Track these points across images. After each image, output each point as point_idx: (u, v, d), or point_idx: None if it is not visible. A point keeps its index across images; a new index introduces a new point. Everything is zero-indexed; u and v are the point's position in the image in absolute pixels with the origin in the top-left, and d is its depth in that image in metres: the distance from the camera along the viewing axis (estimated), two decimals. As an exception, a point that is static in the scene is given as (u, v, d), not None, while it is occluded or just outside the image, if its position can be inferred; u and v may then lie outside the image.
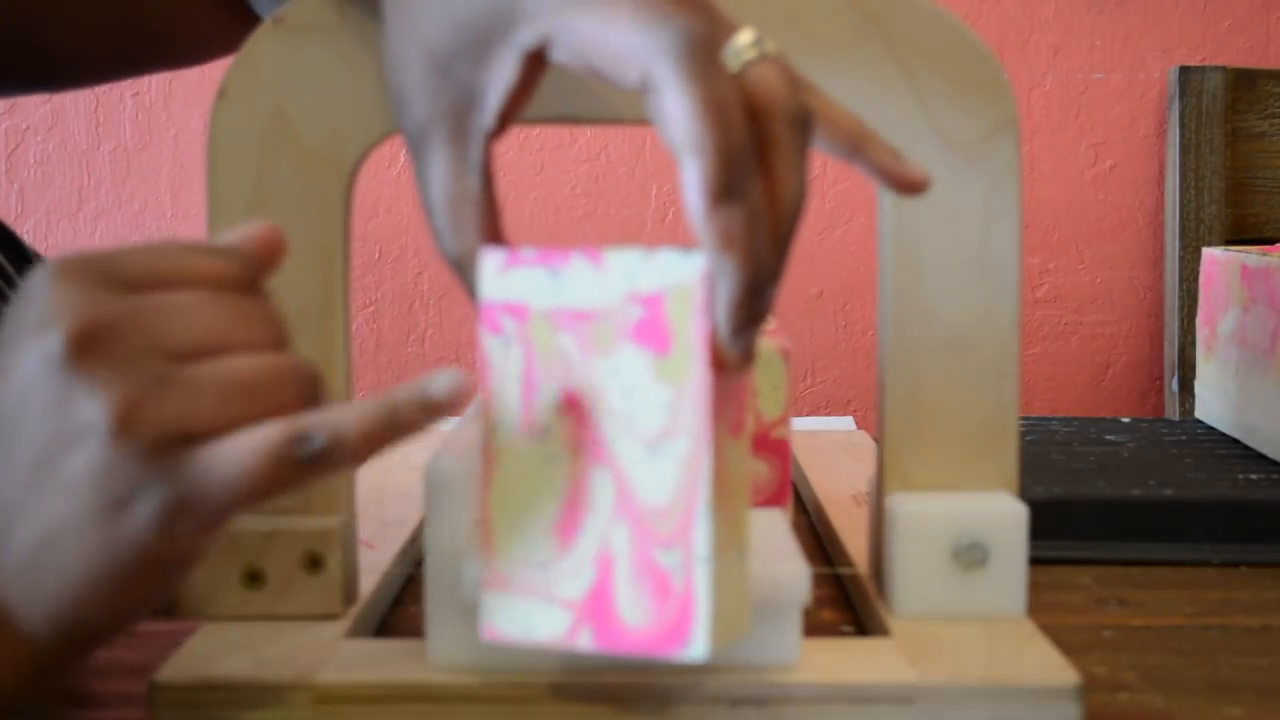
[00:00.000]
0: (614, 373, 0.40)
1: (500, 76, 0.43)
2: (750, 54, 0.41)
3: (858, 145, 0.44)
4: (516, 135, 1.50)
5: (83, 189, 1.52)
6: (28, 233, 1.51)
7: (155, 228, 1.52)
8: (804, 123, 0.41)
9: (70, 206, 1.52)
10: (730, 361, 0.40)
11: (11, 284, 0.67)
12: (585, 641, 0.41)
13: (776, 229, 0.40)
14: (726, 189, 0.38)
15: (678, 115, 0.38)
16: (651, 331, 0.40)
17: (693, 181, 0.38)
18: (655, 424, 0.40)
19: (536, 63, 0.43)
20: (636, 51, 0.39)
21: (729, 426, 0.41)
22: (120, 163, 1.52)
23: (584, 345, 0.41)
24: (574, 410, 0.41)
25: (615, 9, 0.40)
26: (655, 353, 0.40)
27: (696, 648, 0.40)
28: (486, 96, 0.43)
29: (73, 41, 0.68)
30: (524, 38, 0.42)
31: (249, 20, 0.66)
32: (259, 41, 0.51)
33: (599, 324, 0.41)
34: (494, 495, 0.42)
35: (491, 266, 0.42)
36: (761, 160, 0.40)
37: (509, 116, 0.44)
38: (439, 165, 0.44)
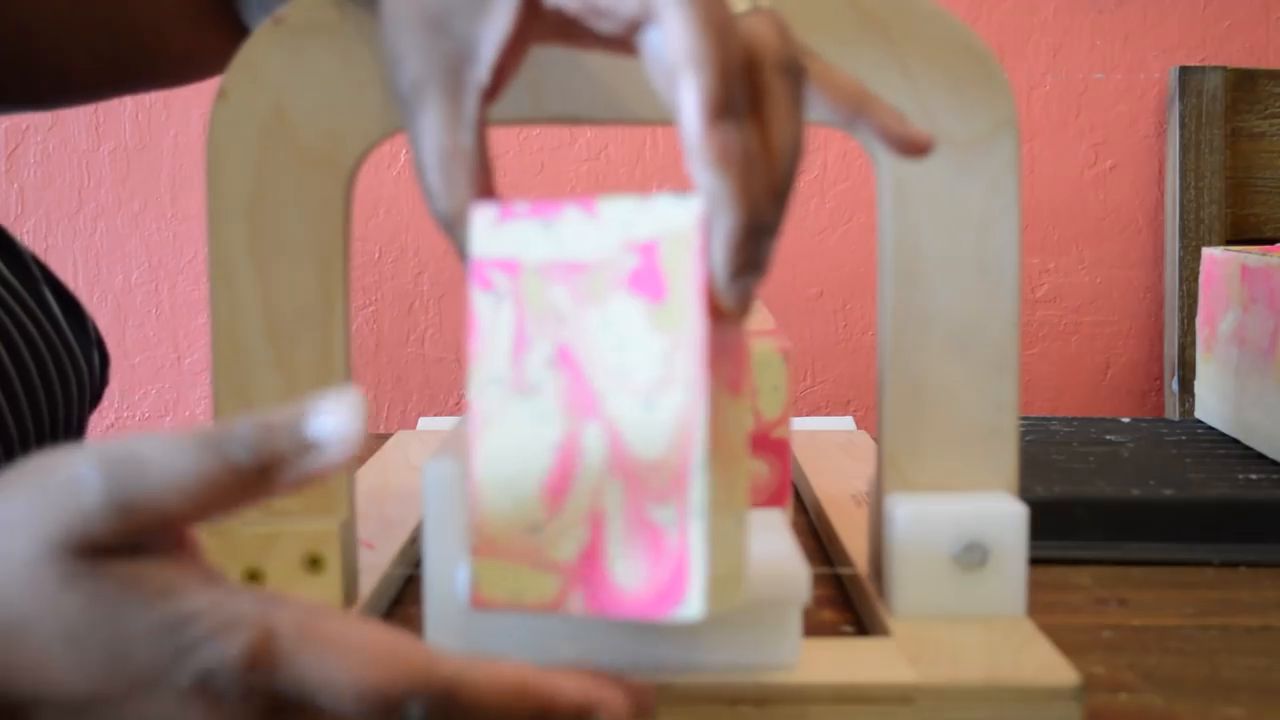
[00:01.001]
0: (608, 324, 0.39)
1: (495, 27, 0.43)
2: (742, 5, 0.41)
3: (860, 108, 0.44)
4: (516, 135, 1.50)
5: (83, 189, 1.52)
6: (27, 233, 1.51)
7: (155, 228, 1.52)
8: (795, 71, 0.41)
9: (70, 206, 1.52)
10: (728, 308, 0.39)
11: (5, 282, 0.66)
12: (576, 605, 0.40)
13: (774, 179, 0.40)
14: (726, 104, 0.38)
15: (678, 32, 0.38)
16: (647, 279, 0.39)
17: (691, 98, 0.38)
18: (650, 375, 0.39)
19: (531, 10, 0.42)
20: None
21: (727, 383, 0.40)
22: (120, 163, 1.52)
23: (577, 297, 0.40)
24: (566, 366, 0.40)
25: None
26: (650, 301, 0.39)
27: (691, 607, 0.38)
28: (480, 49, 0.43)
29: (59, 53, 0.67)
30: None
31: (241, 36, 0.66)
32: (259, 41, 0.51)
33: (593, 275, 0.40)
34: (483, 458, 0.40)
35: (483, 221, 0.41)
36: (755, 110, 0.40)
37: (504, 71, 0.43)
38: (432, 121, 0.43)
